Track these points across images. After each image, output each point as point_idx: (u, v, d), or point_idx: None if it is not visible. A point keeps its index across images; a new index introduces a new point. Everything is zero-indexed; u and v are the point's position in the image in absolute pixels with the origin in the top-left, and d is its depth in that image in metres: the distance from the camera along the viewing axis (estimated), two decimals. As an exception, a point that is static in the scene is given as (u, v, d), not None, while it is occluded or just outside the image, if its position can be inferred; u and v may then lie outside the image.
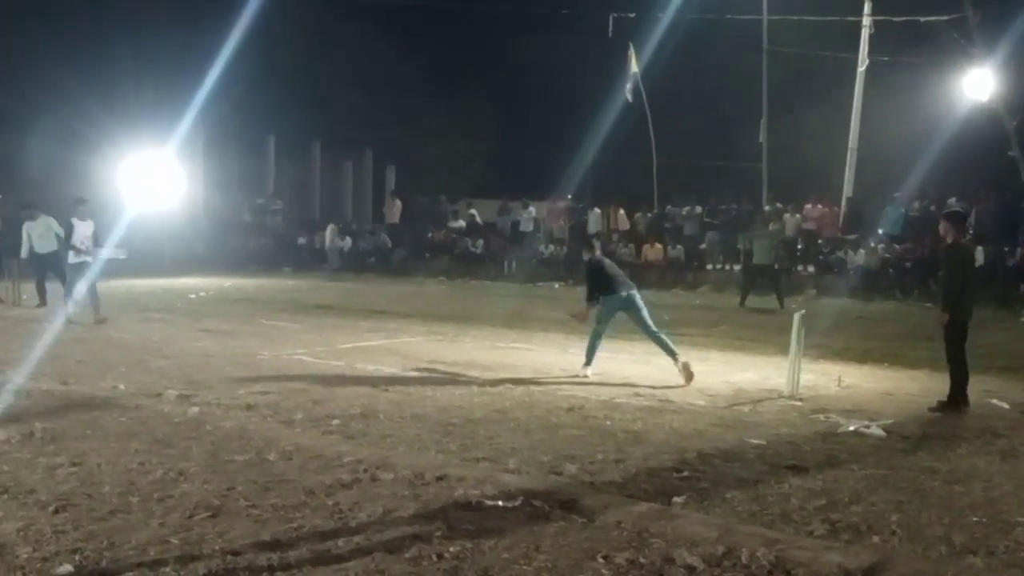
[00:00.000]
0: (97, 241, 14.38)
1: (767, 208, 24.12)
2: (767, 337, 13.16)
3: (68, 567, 4.29)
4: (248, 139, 33.29)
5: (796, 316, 9.31)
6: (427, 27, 35.99)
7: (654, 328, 10.24)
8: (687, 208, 26.03)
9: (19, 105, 26.35)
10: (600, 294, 10.30)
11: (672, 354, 9.94)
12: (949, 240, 8.67)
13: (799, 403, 8.66)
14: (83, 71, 27.14)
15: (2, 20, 27.33)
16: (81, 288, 13.86)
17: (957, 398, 8.40)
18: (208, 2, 28.75)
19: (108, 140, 25.97)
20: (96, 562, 4.37)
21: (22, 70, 27.02)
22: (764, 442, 7.03)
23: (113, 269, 19.80)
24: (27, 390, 8.43)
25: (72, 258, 14.02)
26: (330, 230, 28.87)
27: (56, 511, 5.09)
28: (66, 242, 14.16)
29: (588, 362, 10.15)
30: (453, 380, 9.57)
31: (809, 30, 26.09)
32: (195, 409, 7.83)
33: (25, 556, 4.43)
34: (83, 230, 14.05)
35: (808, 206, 24.08)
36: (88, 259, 13.98)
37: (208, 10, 28.14)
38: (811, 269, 23.37)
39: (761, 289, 18.73)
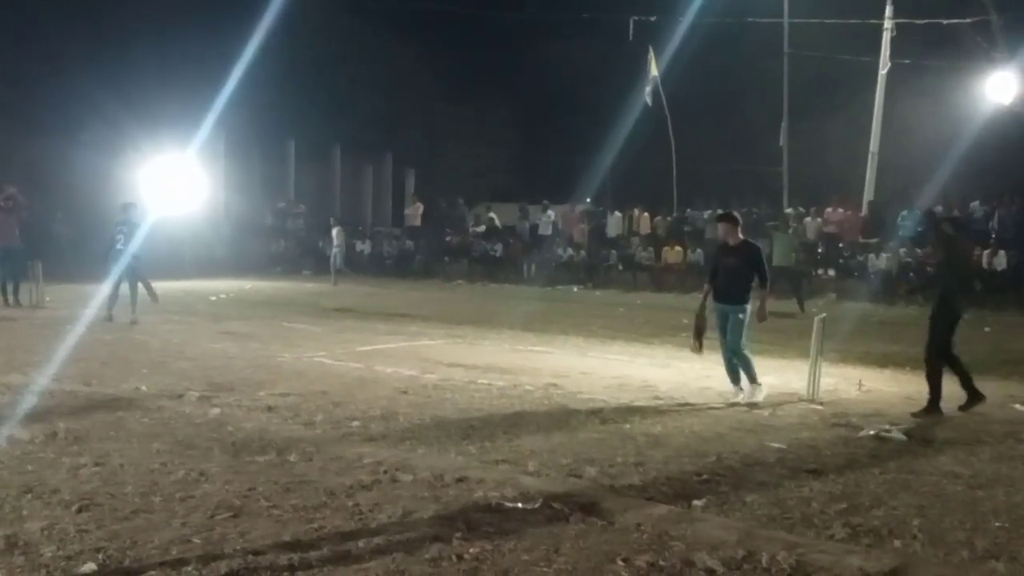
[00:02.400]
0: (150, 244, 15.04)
1: (788, 211, 24.01)
2: (787, 341, 13.08)
3: (92, 566, 4.33)
4: (269, 143, 33.45)
5: (817, 320, 9.27)
6: (447, 31, 36.08)
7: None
8: (708, 212, 25.93)
9: (43, 110, 26.57)
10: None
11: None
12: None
13: (819, 407, 8.63)
14: (106, 76, 27.34)
15: (26, 25, 27.60)
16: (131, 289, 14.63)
17: (935, 401, 8.43)
18: (230, 7, 28.92)
19: (131, 144, 26.17)
20: (119, 561, 4.41)
21: (46, 76, 27.24)
22: (784, 446, 7.01)
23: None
24: (51, 391, 8.50)
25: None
26: (336, 232, 27.07)
27: (79, 510, 5.13)
28: (123, 247, 14.63)
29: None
30: (472, 383, 9.58)
31: (830, 33, 25.99)
32: (216, 410, 7.88)
33: (49, 555, 4.48)
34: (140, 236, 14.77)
35: (829, 210, 23.95)
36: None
37: (230, 15, 28.32)
38: (832, 273, 23.21)
39: (781, 292, 18.64)
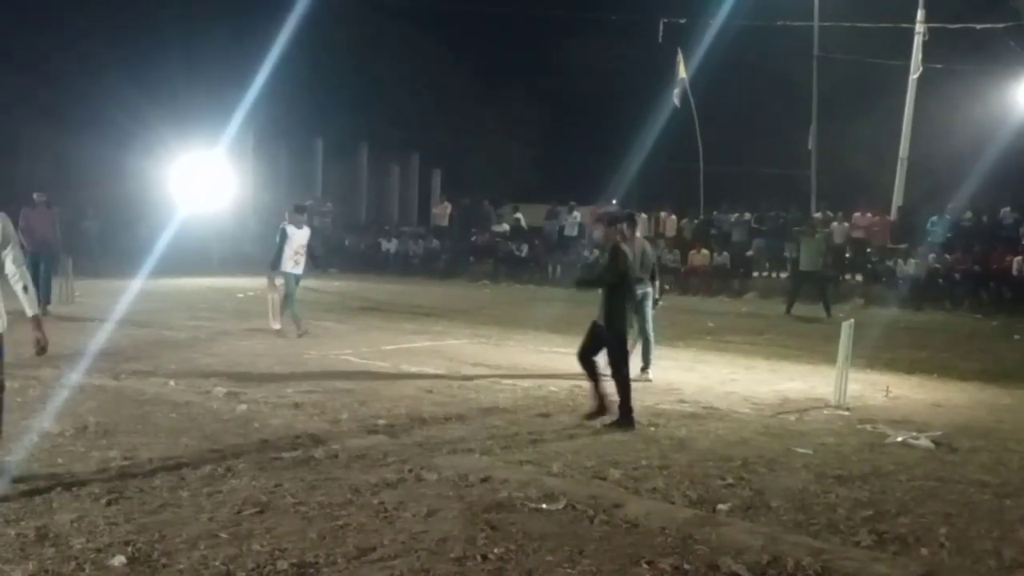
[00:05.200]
0: (312, 252, 13.93)
1: (816, 215, 23.89)
2: (814, 346, 13.03)
3: (121, 558, 4.37)
4: (296, 141, 33.65)
5: (845, 325, 9.22)
6: (475, 31, 36.18)
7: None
8: (735, 215, 25.85)
9: (73, 107, 26.90)
10: None
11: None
12: None
13: (846, 413, 8.58)
14: (137, 74, 27.66)
15: (56, 24, 27.91)
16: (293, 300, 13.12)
17: None
18: (257, 5, 29.15)
19: (159, 141, 26.42)
20: (148, 554, 4.45)
21: (76, 73, 27.55)
22: (810, 451, 6.98)
23: (165, 268, 20.22)
24: (80, 385, 8.59)
25: (289, 267, 13.00)
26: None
27: (109, 503, 5.19)
28: (279, 250, 13.04)
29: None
30: (497, 383, 9.60)
31: (861, 37, 25.84)
32: (243, 407, 7.93)
33: (79, 546, 4.53)
34: (299, 239, 13.12)
35: (857, 214, 23.80)
36: (299, 271, 13.12)
37: (257, 13, 28.55)
38: (859, 278, 23.09)
39: (808, 297, 18.55)
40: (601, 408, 7.91)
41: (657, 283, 10.59)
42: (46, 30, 27.52)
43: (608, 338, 7.99)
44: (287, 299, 13.07)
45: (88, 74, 27.05)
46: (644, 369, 10.14)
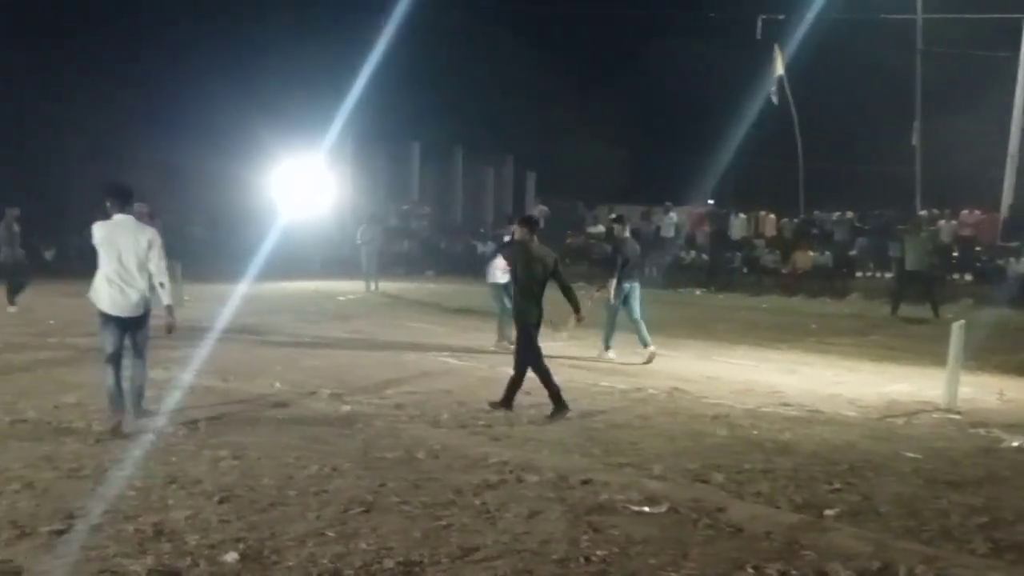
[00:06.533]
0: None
1: (922, 213, 23.21)
2: (921, 347, 12.67)
3: (234, 555, 4.50)
4: (394, 145, 34.10)
5: (955, 326, 8.94)
6: (568, 32, 36.16)
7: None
8: (837, 214, 25.28)
9: (178, 116, 27.73)
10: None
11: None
12: None
13: (957, 416, 8.33)
14: (239, 81, 28.43)
15: (160, 32, 28.86)
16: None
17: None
18: (355, 12, 29.68)
19: (261, 147, 27.09)
20: (258, 551, 4.57)
21: (180, 81, 28.44)
22: (920, 456, 6.79)
23: (268, 272, 20.72)
24: (191, 386, 8.86)
25: (499, 277, 12.31)
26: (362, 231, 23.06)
27: (221, 501, 5.35)
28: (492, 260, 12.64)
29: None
30: (595, 385, 9.59)
31: (966, 29, 25.00)
32: (346, 407, 8.09)
33: (193, 543, 4.68)
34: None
35: (965, 212, 23.06)
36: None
37: (355, 20, 29.07)
38: (968, 277, 22.34)
39: (914, 298, 18.02)
40: (557, 404, 8.01)
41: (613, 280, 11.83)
42: (152, 43, 28.47)
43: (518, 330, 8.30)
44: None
45: (192, 84, 27.89)
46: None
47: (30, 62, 26.38)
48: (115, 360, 7.12)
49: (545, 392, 7.99)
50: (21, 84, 26.22)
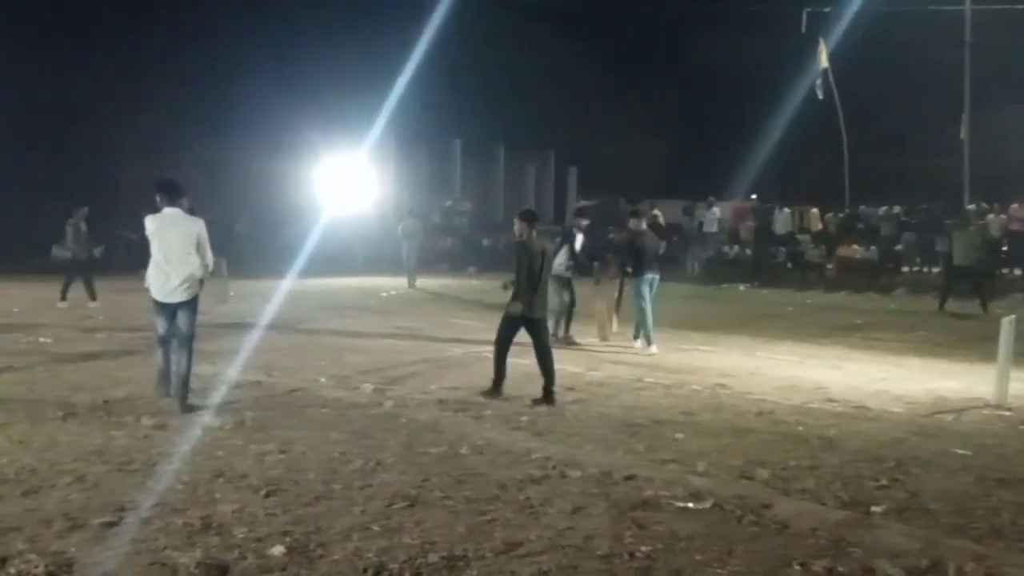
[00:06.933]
0: (588, 252, 13.05)
1: (970, 207, 22.83)
2: (969, 343, 12.48)
3: (280, 548, 4.55)
4: (436, 142, 34.24)
5: (1005, 321, 8.79)
6: (609, 27, 36.02)
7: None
8: (883, 208, 24.96)
9: (224, 114, 28.03)
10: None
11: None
12: None
13: (1007, 413, 8.19)
14: (283, 79, 28.73)
15: (204, 30, 29.15)
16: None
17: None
18: (397, 10, 29.82)
19: (306, 145, 27.32)
20: (305, 545, 4.61)
21: (225, 80, 28.74)
22: (969, 453, 6.69)
23: (312, 269, 20.89)
24: (237, 381, 8.97)
25: (562, 271, 12.26)
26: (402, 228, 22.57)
27: (267, 495, 5.40)
28: (572, 256, 12.55)
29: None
30: (638, 381, 9.55)
31: (1016, 20, 24.54)
32: (390, 403, 8.14)
33: (241, 536, 4.73)
34: (577, 245, 12.65)
35: (1015, 206, 22.66)
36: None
37: (398, 18, 29.21)
38: (1018, 272, 21.97)
39: (962, 293, 17.75)
40: (495, 387, 8.55)
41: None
42: (198, 43, 28.77)
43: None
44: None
45: (237, 82, 28.18)
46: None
47: (79, 62, 26.82)
48: (165, 343, 7.92)
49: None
50: (70, 84, 26.64)
